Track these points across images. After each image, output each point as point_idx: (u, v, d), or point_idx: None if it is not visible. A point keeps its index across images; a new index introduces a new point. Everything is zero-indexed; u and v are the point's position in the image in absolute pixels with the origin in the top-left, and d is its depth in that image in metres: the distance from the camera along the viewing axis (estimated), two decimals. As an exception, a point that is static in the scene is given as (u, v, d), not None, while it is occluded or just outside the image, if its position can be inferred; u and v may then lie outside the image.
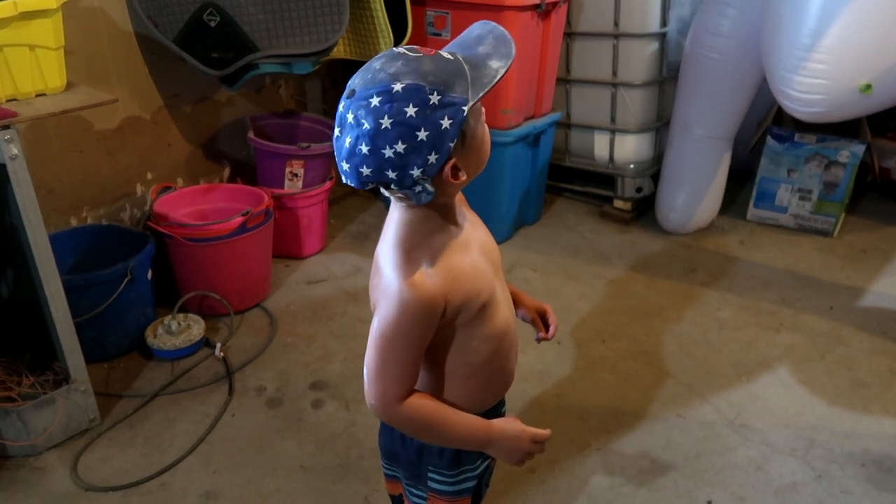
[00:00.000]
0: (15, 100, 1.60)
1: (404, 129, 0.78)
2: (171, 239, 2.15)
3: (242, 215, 2.18)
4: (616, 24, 2.67)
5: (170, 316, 2.13)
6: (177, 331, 2.11)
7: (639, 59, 2.71)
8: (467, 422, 0.95)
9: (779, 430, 1.81)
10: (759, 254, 2.70)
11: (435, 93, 0.78)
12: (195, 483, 1.67)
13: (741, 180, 3.05)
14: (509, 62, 0.82)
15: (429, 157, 0.80)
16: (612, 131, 2.87)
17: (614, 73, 2.76)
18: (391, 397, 0.90)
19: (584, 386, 1.99)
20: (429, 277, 0.87)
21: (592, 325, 2.26)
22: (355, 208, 3.08)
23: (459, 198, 0.96)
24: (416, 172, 0.80)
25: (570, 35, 2.79)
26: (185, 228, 2.14)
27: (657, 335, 2.21)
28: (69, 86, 1.72)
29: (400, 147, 0.78)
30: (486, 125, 0.90)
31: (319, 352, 2.10)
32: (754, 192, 2.88)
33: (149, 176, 2.43)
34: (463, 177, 0.85)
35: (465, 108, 0.79)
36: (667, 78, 2.80)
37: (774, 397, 1.93)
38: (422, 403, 0.92)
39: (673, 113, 2.73)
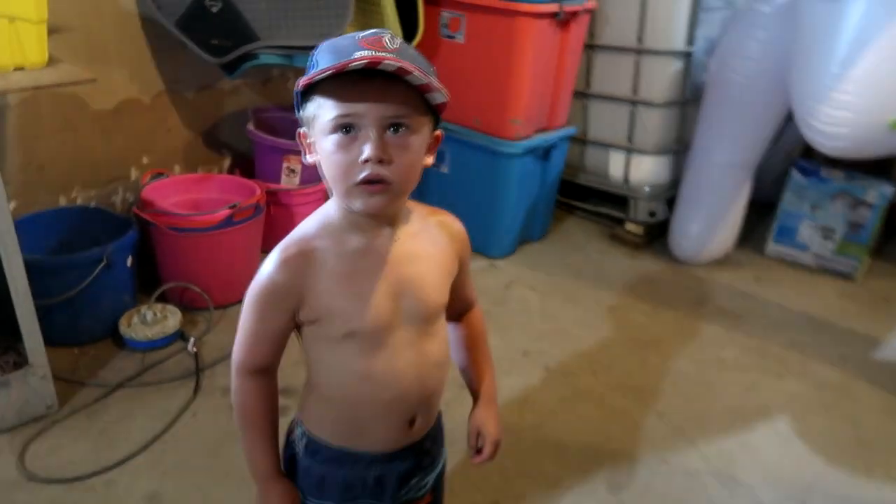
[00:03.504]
0: (-9, 72, 1.55)
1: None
2: (154, 227, 2.09)
3: (230, 208, 2.11)
4: (640, 39, 2.56)
5: (146, 305, 2.07)
6: (152, 321, 2.05)
7: (661, 78, 2.59)
8: (258, 450, 0.93)
9: (770, 486, 1.67)
10: (774, 292, 2.54)
11: (312, 58, 0.80)
12: (141, 483, 1.59)
13: (762, 212, 2.89)
14: (329, 66, 0.74)
15: (296, 109, 0.83)
16: (629, 151, 2.75)
17: (635, 91, 2.64)
18: (236, 360, 0.91)
19: (566, 418, 1.87)
20: (284, 265, 0.84)
21: (585, 353, 2.14)
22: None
23: (413, 230, 0.88)
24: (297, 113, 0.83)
25: (591, 47, 2.68)
26: (170, 217, 2.07)
27: (652, 370, 2.08)
28: (52, 61, 1.67)
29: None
30: (337, 146, 0.78)
31: (295, 356, 2.02)
32: (775, 227, 2.73)
33: (145, 160, 2.38)
34: (311, 159, 0.84)
35: (299, 83, 0.78)
36: (690, 99, 2.67)
37: (769, 449, 1.79)
38: (248, 391, 0.91)
39: (694, 137, 2.60)
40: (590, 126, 2.83)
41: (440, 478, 1.06)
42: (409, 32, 2.29)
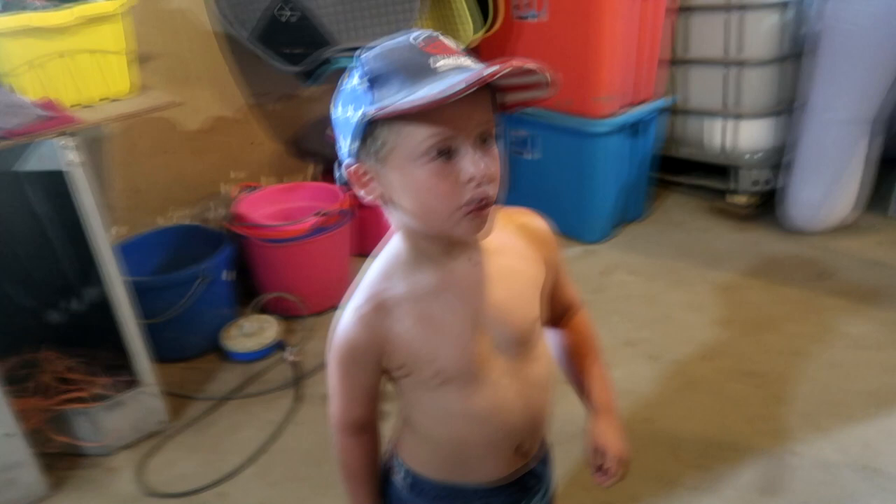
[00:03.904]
0: (80, 105, 1.61)
1: (339, 94, 0.72)
2: (247, 240, 2.13)
3: (316, 216, 2.12)
4: (732, -7, 2.35)
5: (245, 317, 2.12)
6: (251, 333, 2.09)
7: (760, 34, 2.36)
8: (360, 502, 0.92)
9: (923, 479, 1.48)
10: (907, 257, 2.28)
11: (364, 78, 0.68)
12: (251, 495, 1.62)
13: (888, 171, 2.60)
14: (439, 97, 0.61)
15: (342, 138, 0.72)
16: (729, 116, 2.54)
17: (731, 51, 2.43)
18: (335, 418, 0.87)
19: (679, 411, 1.74)
20: (360, 323, 0.77)
21: (696, 338, 1.99)
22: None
23: (491, 246, 0.79)
24: (342, 146, 0.73)
25: (679, 10, 2.49)
26: (261, 229, 2.11)
27: (772, 353, 1.91)
28: (140, 88, 1.72)
29: (336, 110, 0.72)
30: (437, 174, 0.68)
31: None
32: (903, 185, 2.45)
33: (233, 175, 2.43)
34: (373, 196, 0.73)
35: (368, 112, 0.67)
36: (794, 54, 2.43)
37: (919, 437, 1.59)
38: (348, 448, 0.89)
39: (808, 94, 2.35)
40: (685, 95, 2.64)
41: (551, 501, 0.98)
42: (480, 20, 2.21)
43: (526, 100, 0.73)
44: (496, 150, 0.71)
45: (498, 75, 0.63)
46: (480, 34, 2.24)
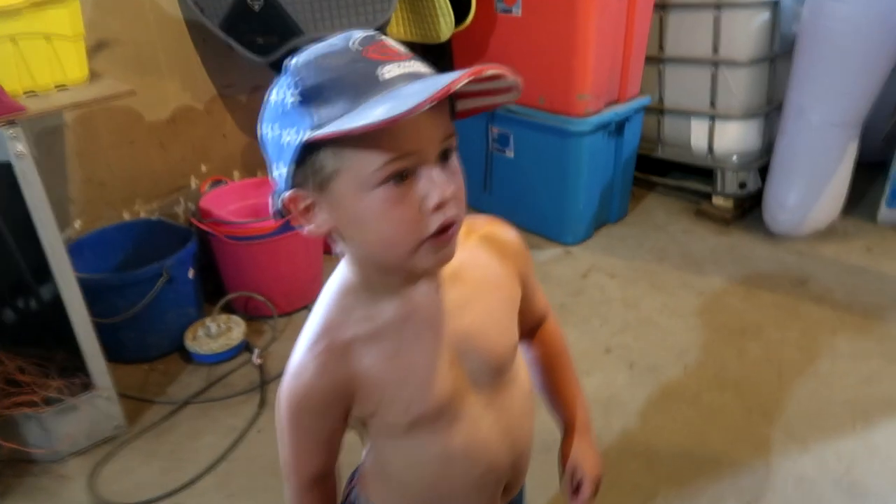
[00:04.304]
0: (34, 93, 1.52)
1: (265, 110, 0.62)
2: (213, 236, 2.05)
3: (286, 212, 2.04)
4: (718, -9, 2.30)
5: (210, 317, 2.04)
6: (216, 334, 2.01)
7: (745, 33, 2.32)
8: None
9: (903, 495, 1.44)
10: (890, 264, 2.25)
11: (296, 91, 0.58)
12: (209, 506, 1.55)
13: (872, 175, 2.58)
14: (402, 112, 0.51)
15: (274, 163, 0.62)
16: (713, 117, 2.50)
17: (715, 50, 2.38)
18: (287, 471, 0.75)
19: (656, 421, 1.69)
20: (320, 369, 0.66)
21: (674, 345, 1.95)
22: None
23: (455, 265, 0.68)
24: (273, 171, 0.63)
25: (663, 6, 2.44)
26: (227, 226, 2.02)
27: (753, 362, 1.86)
28: (95, 76, 1.63)
29: (264, 128, 0.62)
30: (392, 201, 0.58)
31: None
32: (887, 190, 2.41)
33: (203, 169, 2.34)
34: (317, 228, 0.62)
35: (303, 136, 0.56)
36: (779, 54, 2.38)
37: (900, 451, 1.55)
38: (308, 501, 0.76)
39: (786, 95, 2.31)
40: (666, 94, 2.59)
41: None
42: (462, 12, 2.13)
43: (486, 105, 0.65)
44: (457, 162, 0.63)
45: (461, 83, 0.53)
46: (457, 28, 2.17)
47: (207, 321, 2.03)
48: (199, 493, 1.58)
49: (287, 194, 0.61)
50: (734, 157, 2.51)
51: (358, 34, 0.59)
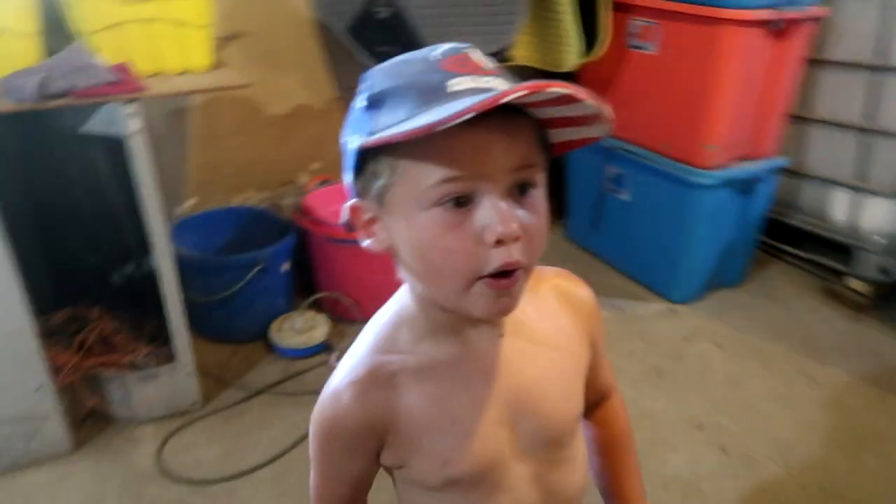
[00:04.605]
0: (159, 75, 1.58)
1: (347, 116, 0.59)
2: (312, 234, 2.07)
3: (388, 221, 2.03)
4: (881, 53, 2.07)
5: (298, 312, 2.05)
6: (301, 329, 2.02)
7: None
8: None
9: None
10: None
11: (364, 99, 0.56)
12: (259, 498, 1.54)
13: None
14: (446, 117, 0.47)
15: (344, 170, 0.59)
16: (858, 190, 2.26)
17: (869, 117, 2.15)
18: (314, 492, 0.71)
19: (742, 517, 1.52)
20: (356, 400, 0.61)
21: (777, 438, 1.75)
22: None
23: (525, 315, 0.63)
24: (345, 180, 0.60)
25: (816, 62, 2.24)
26: (326, 226, 2.03)
27: (869, 476, 1.64)
28: (217, 65, 1.67)
29: (343, 134, 0.59)
30: (446, 226, 0.53)
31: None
32: None
33: (314, 166, 2.38)
34: (375, 244, 0.59)
35: (360, 141, 0.54)
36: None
37: None
38: None
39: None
40: (808, 158, 2.37)
41: None
42: (588, 42, 2.04)
43: (582, 139, 0.57)
44: (540, 202, 0.55)
45: (512, 96, 0.47)
46: (585, 59, 2.07)
47: (294, 315, 2.05)
48: (252, 483, 1.58)
49: (350, 203, 0.59)
50: (879, 239, 2.25)
51: (445, 46, 0.55)
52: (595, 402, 0.79)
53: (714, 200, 2.14)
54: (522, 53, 2.19)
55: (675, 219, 2.20)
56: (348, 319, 2.14)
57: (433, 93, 0.51)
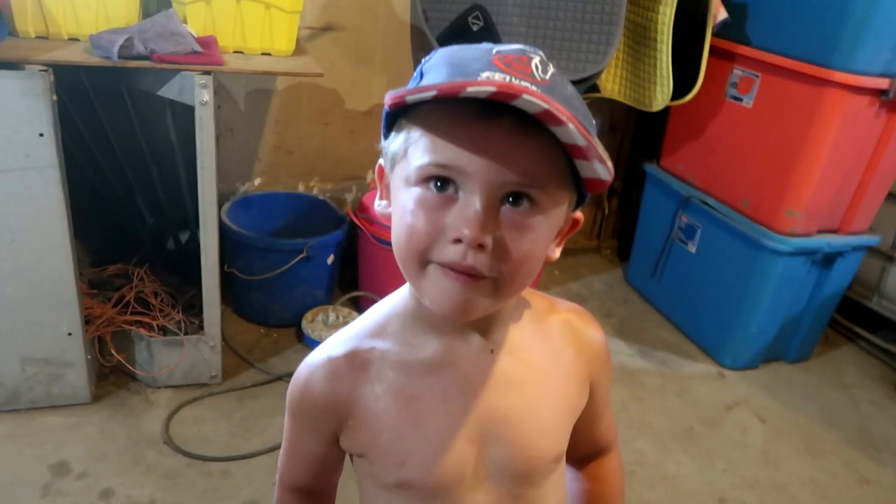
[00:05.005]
0: (242, 53, 1.62)
1: None
2: (363, 231, 2.07)
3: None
4: None
5: (333, 306, 2.05)
6: (333, 324, 2.01)
7: None
8: None
9: None
10: None
11: (419, 70, 0.56)
12: (252, 485, 1.53)
13: None
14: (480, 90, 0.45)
15: (382, 132, 0.59)
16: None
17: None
18: (279, 472, 0.72)
19: None
20: (324, 372, 0.61)
21: (808, 530, 1.60)
22: (587, 268, 2.71)
23: (523, 339, 0.61)
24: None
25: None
26: (375, 226, 2.03)
27: None
28: (298, 52, 1.70)
29: None
30: (419, 204, 0.52)
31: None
32: None
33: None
34: (382, 208, 0.60)
35: (388, 98, 0.51)
36: None
37: None
38: None
39: None
40: (900, 239, 2.18)
41: None
42: (683, 85, 1.95)
43: (595, 178, 0.52)
44: (534, 224, 0.51)
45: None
46: (676, 102, 1.99)
47: (329, 309, 2.05)
48: (249, 468, 1.57)
49: (379, 163, 0.60)
50: (967, 339, 2.04)
51: (515, 45, 0.53)
52: (590, 455, 0.73)
53: (786, 268, 2.00)
54: (611, 86, 2.12)
55: (740, 280, 2.07)
56: (381, 323, 2.12)
57: (462, 76, 0.49)
